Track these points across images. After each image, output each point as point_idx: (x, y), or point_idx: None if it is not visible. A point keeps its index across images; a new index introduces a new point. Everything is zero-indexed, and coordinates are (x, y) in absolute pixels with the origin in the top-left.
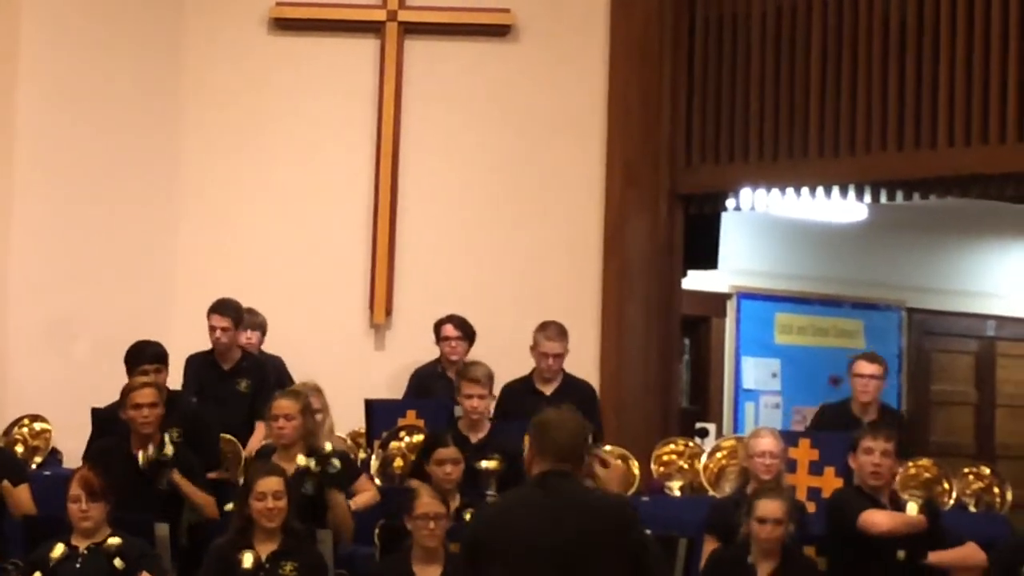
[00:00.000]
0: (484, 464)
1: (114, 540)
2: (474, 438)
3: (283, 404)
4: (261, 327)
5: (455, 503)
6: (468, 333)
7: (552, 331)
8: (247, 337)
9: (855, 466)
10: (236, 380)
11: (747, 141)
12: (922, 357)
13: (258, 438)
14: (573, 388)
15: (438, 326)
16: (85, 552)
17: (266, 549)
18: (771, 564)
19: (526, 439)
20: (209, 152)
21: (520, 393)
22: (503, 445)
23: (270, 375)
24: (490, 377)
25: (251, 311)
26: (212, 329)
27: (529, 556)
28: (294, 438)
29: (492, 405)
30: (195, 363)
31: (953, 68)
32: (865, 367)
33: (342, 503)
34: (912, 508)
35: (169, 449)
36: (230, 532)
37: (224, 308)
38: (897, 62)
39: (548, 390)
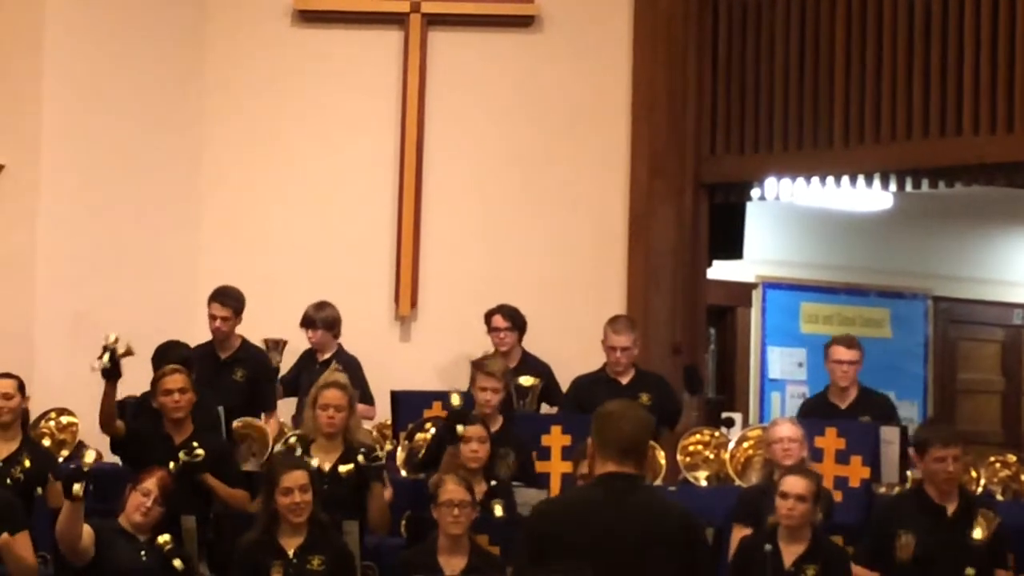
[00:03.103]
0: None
1: (164, 537)
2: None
3: (335, 395)
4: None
5: (481, 488)
6: (518, 323)
7: (620, 325)
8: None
9: (922, 469)
10: (232, 370)
11: (772, 130)
12: (948, 346)
13: (273, 430)
14: (649, 380)
15: (488, 317)
16: (149, 545)
17: (293, 544)
18: (799, 548)
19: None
20: (233, 145)
21: (593, 384)
22: (515, 440)
23: (268, 366)
24: (505, 373)
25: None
26: (212, 318)
27: (587, 559)
28: (341, 429)
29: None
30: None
31: (978, 55)
32: (844, 353)
33: (382, 495)
34: (979, 533)
35: (200, 452)
36: (256, 528)
37: (224, 297)
38: (922, 50)
39: (624, 380)
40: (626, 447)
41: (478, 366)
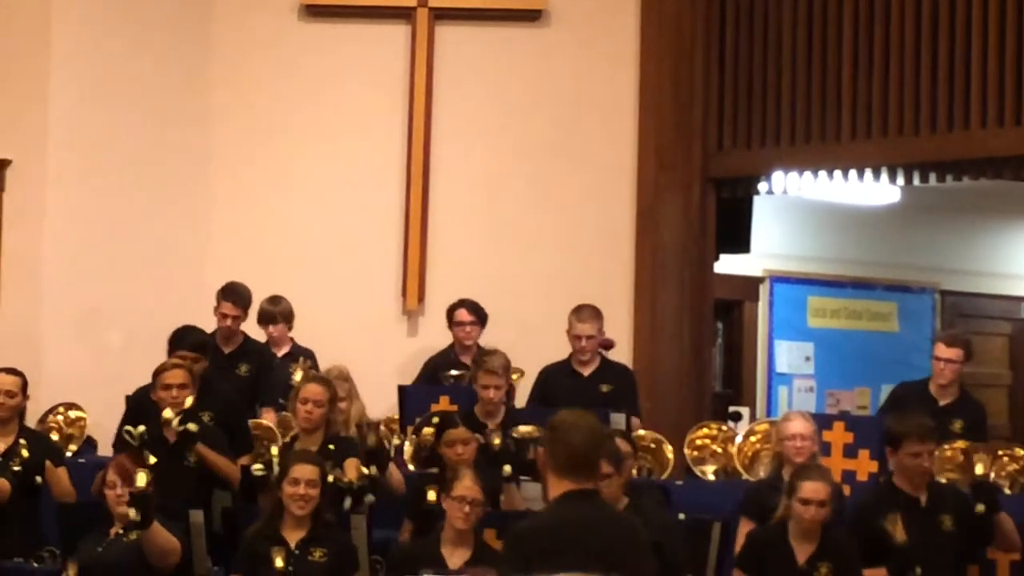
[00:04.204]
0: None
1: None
2: (491, 424)
3: (314, 389)
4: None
5: None
6: (481, 317)
7: (584, 313)
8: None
9: (894, 462)
10: (236, 364)
11: (779, 124)
12: None
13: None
14: (611, 371)
15: (451, 311)
16: (112, 538)
17: (295, 536)
18: (811, 545)
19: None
20: (240, 140)
21: (558, 376)
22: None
23: (270, 361)
24: (506, 367)
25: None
26: (223, 316)
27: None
28: (319, 424)
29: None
30: None
31: (985, 49)
32: (943, 351)
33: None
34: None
35: (193, 426)
36: (261, 519)
37: (236, 296)
38: (929, 44)
39: (586, 372)
40: (577, 461)
41: (478, 364)
